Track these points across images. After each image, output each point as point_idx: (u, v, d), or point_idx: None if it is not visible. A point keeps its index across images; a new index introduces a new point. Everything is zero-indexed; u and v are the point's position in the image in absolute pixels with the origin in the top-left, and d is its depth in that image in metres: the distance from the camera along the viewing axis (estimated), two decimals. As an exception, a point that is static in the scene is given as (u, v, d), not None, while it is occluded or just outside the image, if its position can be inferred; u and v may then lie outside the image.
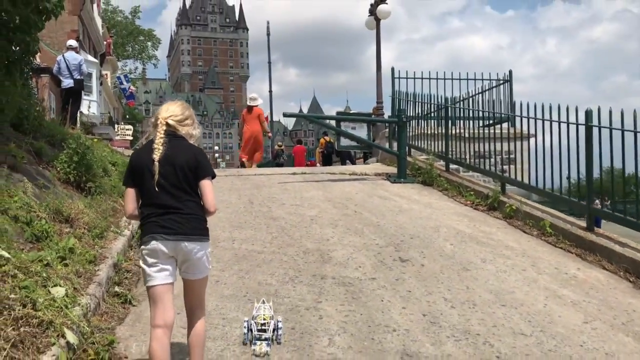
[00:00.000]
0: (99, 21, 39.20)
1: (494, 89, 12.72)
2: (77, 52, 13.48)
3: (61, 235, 5.24)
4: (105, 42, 41.10)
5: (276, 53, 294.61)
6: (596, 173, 6.85)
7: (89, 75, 25.58)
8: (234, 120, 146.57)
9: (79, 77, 12.80)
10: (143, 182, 3.42)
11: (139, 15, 58.81)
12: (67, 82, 12.78)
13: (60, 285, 4.06)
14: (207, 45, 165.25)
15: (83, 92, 14.31)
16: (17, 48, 6.82)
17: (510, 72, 13.22)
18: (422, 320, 4.58)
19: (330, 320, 4.52)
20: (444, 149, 10.75)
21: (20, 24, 6.64)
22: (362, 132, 12.92)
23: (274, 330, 4.00)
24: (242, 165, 15.09)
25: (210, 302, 4.60)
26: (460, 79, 13.29)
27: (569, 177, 7.39)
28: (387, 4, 17.18)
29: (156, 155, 3.38)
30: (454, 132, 10.70)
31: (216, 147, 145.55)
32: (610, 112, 6.49)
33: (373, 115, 16.46)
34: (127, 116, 55.89)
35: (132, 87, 45.03)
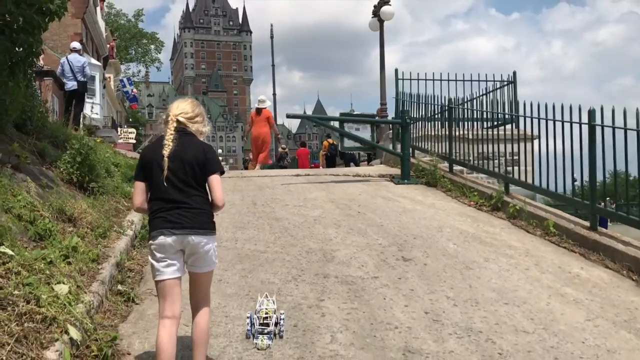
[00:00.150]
0: (102, 24, 39.38)
1: (498, 91, 12.71)
2: (81, 55, 13.55)
3: (64, 234, 5.26)
4: (108, 45, 41.24)
5: (280, 56, 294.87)
6: (602, 176, 6.82)
7: (92, 78, 25.67)
8: (237, 124, 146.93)
9: (82, 79, 12.85)
10: (152, 177, 3.49)
11: (142, 19, 59.14)
12: (71, 85, 12.84)
13: (64, 283, 4.08)
14: (211, 48, 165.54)
15: (86, 95, 14.37)
16: (21, 49, 6.85)
17: (515, 73, 13.23)
18: (424, 318, 4.58)
19: (332, 318, 4.52)
20: (447, 150, 10.75)
21: (24, 25, 6.66)
22: (365, 133, 12.90)
23: (276, 324, 4.03)
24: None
25: (213, 300, 4.59)
26: (464, 80, 13.28)
27: (574, 181, 7.39)
28: (390, 5, 17.21)
29: (166, 151, 3.45)
30: (457, 133, 10.70)
31: (219, 150, 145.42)
32: (613, 111, 6.49)
33: (377, 117, 16.46)
34: (130, 119, 56.07)
35: (134, 90, 45.12)
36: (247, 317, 4.20)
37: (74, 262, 4.68)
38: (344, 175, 11.80)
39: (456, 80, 13.13)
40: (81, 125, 11.17)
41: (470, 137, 10.30)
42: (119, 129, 39.69)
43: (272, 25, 40.07)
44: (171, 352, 3.34)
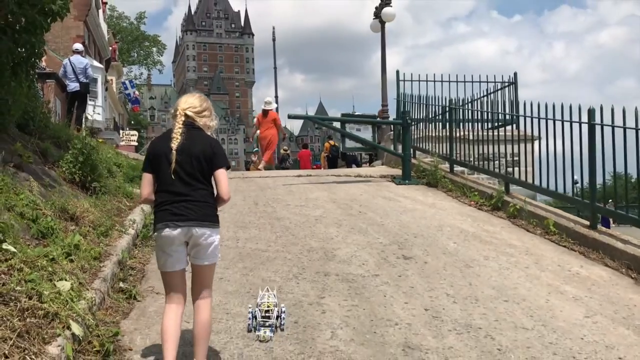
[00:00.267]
0: (104, 27, 39.49)
1: (499, 92, 12.74)
2: (83, 56, 13.60)
3: (67, 233, 5.30)
4: (110, 48, 41.39)
5: (282, 58, 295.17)
6: (602, 175, 6.85)
7: (95, 80, 25.76)
8: (239, 126, 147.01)
9: (84, 80, 12.90)
10: (160, 169, 3.56)
11: (145, 21, 59.32)
12: (73, 86, 12.89)
13: (66, 280, 4.11)
14: (213, 50, 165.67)
15: (89, 97, 14.43)
16: (23, 49, 6.89)
17: (515, 74, 13.24)
18: (424, 315, 4.61)
19: (333, 315, 4.55)
20: (448, 151, 10.78)
21: (26, 25, 6.71)
22: (366, 134, 12.98)
23: (277, 317, 4.08)
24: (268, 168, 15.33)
25: (215, 297, 4.60)
26: (465, 82, 13.31)
27: (574, 183, 7.42)
28: (391, 6, 17.25)
29: (174, 144, 3.51)
30: (458, 134, 10.73)
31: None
32: (612, 111, 6.52)
33: (378, 118, 16.51)
34: (132, 122, 56.19)
35: (136, 92, 45.23)
36: (249, 311, 4.25)
37: (76, 259, 4.71)
38: (346, 175, 11.83)
39: (457, 82, 13.15)
40: (83, 126, 11.21)
41: (471, 138, 10.33)
42: (121, 131, 39.81)
43: (274, 28, 40.08)
44: (175, 335, 3.44)
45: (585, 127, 6.95)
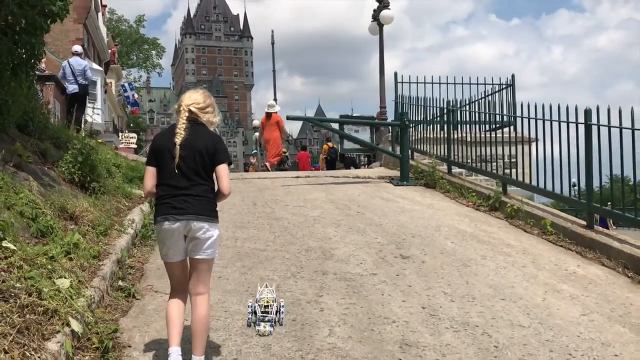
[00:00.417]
0: (103, 30, 39.51)
1: (497, 94, 12.79)
2: (82, 58, 13.63)
3: (66, 232, 5.31)
4: (109, 51, 41.39)
5: (281, 62, 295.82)
6: (598, 175, 6.88)
7: (94, 83, 25.77)
8: (238, 129, 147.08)
9: (83, 82, 12.93)
10: (162, 163, 3.62)
11: (144, 24, 59.34)
12: (72, 88, 12.92)
13: (65, 278, 4.13)
14: (212, 54, 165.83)
15: (88, 99, 14.45)
16: (23, 50, 6.92)
17: (513, 76, 13.31)
18: (421, 313, 4.64)
19: (330, 313, 4.57)
20: (446, 153, 10.82)
21: (26, 26, 6.75)
22: (365, 135, 13.00)
23: (276, 312, 4.13)
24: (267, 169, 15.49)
25: (213, 296, 4.65)
26: (462, 84, 13.38)
27: (572, 186, 7.45)
28: (390, 9, 17.28)
29: (178, 139, 3.58)
30: (456, 136, 10.77)
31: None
32: (609, 111, 6.55)
33: (376, 120, 16.54)
34: (131, 124, 56.20)
35: (135, 95, 45.24)
36: (249, 305, 4.30)
37: (75, 258, 4.73)
38: (344, 177, 11.87)
39: (454, 84, 13.22)
40: (83, 126, 11.23)
41: (469, 139, 10.37)
42: (120, 133, 39.80)
43: (272, 31, 40.15)
44: (179, 322, 3.55)
45: (582, 128, 6.99)
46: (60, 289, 3.88)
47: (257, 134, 47.99)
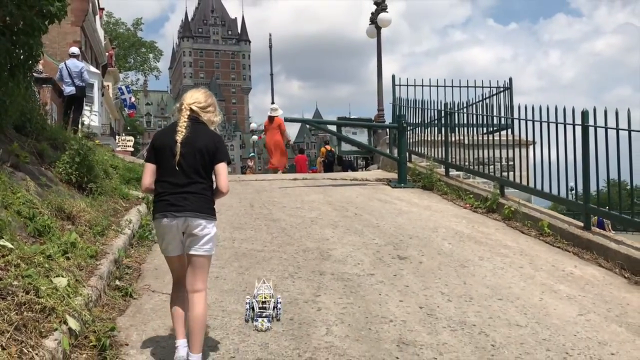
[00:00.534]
0: (101, 33, 39.53)
1: (494, 97, 12.81)
2: (79, 60, 13.63)
3: (63, 231, 5.31)
4: (107, 54, 41.36)
5: (279, 65, 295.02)
6: (595, 176, 6.89)
7: (91, 85, 25.74)
8: (235, 132, 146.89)
9: (80, 84, 12.94)
10: (163, 161, 3.66)
11: (141, 28, 59.27)
12: (69, 90, 12.92)
13: (63, 276, 4.13)
14: (209, 57, 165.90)
15: (85, 102, 14.45)
16: (21, 51, 6.92)
17: (510, 79, 13.31)
18: (418, 312, 4.64)
19: (328, 312, 4.58)
20: (443, 155, 10.84)
21: (24, 27, 6.74)
22: (362, 137, 12.99)
23: (274, 308, 4.16)
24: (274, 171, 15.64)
25: (211, 295, 4.66)
26: (460, 87, 13.37)
27: (570, 189, 7.46)
28: (387, 12, 17.33)
29: (179, 137, 3.62)
30: (454, 138, 10.79)
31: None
32: (606, 113, 6.58)
33: (374, 122, 16.54)
34: (128, 127, 56.13)
35: (132, 98, 45.21)
36: (246, 301, 4.32)
37: (73, 257, 4.73)
38: (342, 179, 11.88)
39: (452, 87, 13.22)
40: (80, 127, 11.21)
41: (467, 142, 10.39)
42: (117, 137, 39.75)
43: (270, 35, 40.16)
44: (183, 315, 3.62)
45: (579, 130, 7.02)
46: (57, 288, 3.89)
47: (255, 137, 48.02)
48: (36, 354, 3.17)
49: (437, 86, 13.13)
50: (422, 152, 11.88)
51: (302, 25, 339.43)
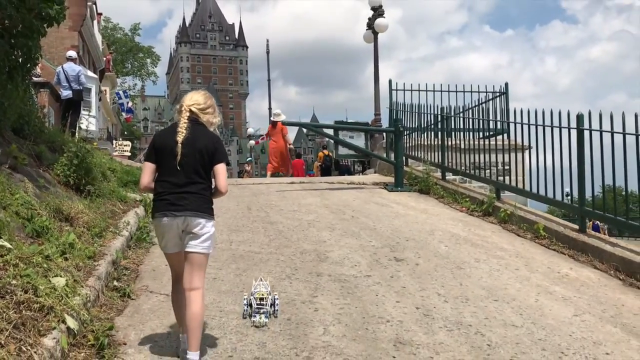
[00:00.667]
0: (98, 37, 39.57)
1: (490, 102, 12.86)
2: (76, 64, 13.66)
3: (61, 232, 5.32)
4: (104, 59, 41.43)
5: (276, 71, 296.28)
6: (590, 179, 6.94)
7: (89, 90, 25.75)
8: (233, 137, 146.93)
9: (77, 87, 12.96)
10: (163, 161, 3.73)
11: (139, 33, 59.29)
12: (67, 93, 12.95)
13: (61, 276, 4.15)
14: (207, 62, 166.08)
15: (82, 103, 14.46)
16: (20, 53, 6.95)
17: (507, 84, 13.37)
18: (415, 313, 4.67)
19: (325, 313, 4.60)
20: (440, 159, 10.88)
21: (23, 29, 6.78)
22: (359, 142, 13.07)
23: (271, 305, 4.22)
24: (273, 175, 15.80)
25: (208, 296, 4.68)
26: (456, 91, 13.41)
27: (565, 195, 7.52)
28: (384, 17, 17.41)
29: (179, 138, 3.68)
30: (450, 143, 10.83)
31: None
32: (600, 116, 6.63)
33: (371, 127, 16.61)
34: (126, 132, 56.13)
35: (129, 103, 45.24)
36: (244, 298, 4.39)
37: (71, 258, 4.74)
38: (339, 183, 11.91)
39: (449, 91, 13.25)
40: (77, 129, 11.24)
41: (463, 146, 10.43)
42: (114, 141, 39.76)
43: (268, 41, 40.43)
44: (182, 307, 3.69)
45: (574, 133, 7.06)
46: (55, 287, 3.90)
47: (252, 142, 48.09)
48: (35, 352, 3.18)
49: (434, 91, 13.18)
50: (419, 156, 11.93)
51: (300, 31, 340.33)
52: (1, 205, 4.90)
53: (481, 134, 11.32)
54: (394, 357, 3.88)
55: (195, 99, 3.84)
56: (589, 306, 5.02)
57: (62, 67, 13.25)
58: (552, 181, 7.44)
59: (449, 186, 10.26)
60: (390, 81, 13.74)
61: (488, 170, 9.57)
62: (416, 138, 12.38)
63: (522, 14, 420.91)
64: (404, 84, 13.47)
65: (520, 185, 8.73)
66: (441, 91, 13.22)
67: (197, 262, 3.66)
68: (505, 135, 10.64)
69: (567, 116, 7.20)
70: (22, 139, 7.45)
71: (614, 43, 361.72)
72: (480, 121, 11.74)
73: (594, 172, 6.79)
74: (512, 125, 8.82)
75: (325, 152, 21.99)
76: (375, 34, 17.53)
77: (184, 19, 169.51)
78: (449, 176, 10.88)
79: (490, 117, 12.36)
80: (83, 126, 14.45)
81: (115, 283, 5.01)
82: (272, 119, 16.13)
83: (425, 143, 11.78)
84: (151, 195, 3.94)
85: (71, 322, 3.65)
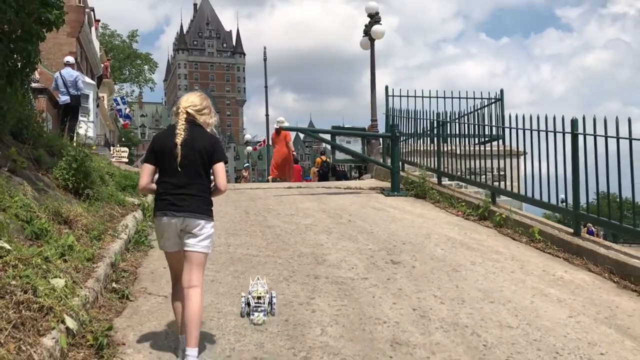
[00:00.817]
0: (96, 44, 39.65)
1: (486, 108, 12.94)
2: (74, 69, 13.70)
3: (60, 235, 5.35)
4: (102, 65, 41.48)
5: (273, 78, 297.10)
6: (584, 183, 6.98)
7: (86, 96, 25.78)
8: (230, 144, 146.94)
9: (75, 93, 12.99)
10: (163, 162, 3.80)
11: (137, 39, 59.38)
12: (64, 99, 12.98)
13: (60, 278, 4.18)
14: (204, 69, 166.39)
15: (81, 113, 14.51)
16: (19, 57, 6.99)
17: (502, 90, 13.45)
18: (412, 314, 4.71)
19: (322, 314, 4.64)
20: (436, 164, 10.95)
21: (23, 34, 6.82)
22: (356, 147, 13.08)
23: (269, 303, 4.27)
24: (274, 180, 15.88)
25: (207, 298, 4.71)
26: (452, 97, 13.49)
27: (560, 201, 7.58)
28: (381, 24, 17.49)
29: (178, 139, 3.75)
30: (446, 148, 10.89)
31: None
32: (594, 121, 6.69)
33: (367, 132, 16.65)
34: (123, 139, 56.13)
35: (127, 109, 45.26)
36: (242, 295, 4.44)
37: (70, 259, 4.78)
38: (336, 187, 11.97)
39: (445, 98, 13.33)
40: (76, 134, 11.27)
41: (459, 152, 10.49)
42: (111, 147, 39.76)
43: (265, 48, 40.33)
44: (182, 305, 3.73)
45: (568, 138, 7.13)
46: (55, 288, 3.94)
47: (249, 148, 48.14)
48: (34, 352, 3.22)
49: (430, 97, 13.24)
50: (415, 161, 11.99)
51: (297, 39, 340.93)
52: (0, 208, 4.93)
53: (477, 139, 11.41)
54: (390, 357, 3.92)
55: (191, 101, 3.90)
56: (583, 308, 5.06)
57: (60, 72, 13.29)
58: (547, 185, 7.50)
59: (445, 191, 10.32)
60: (387, 87, 13.83)
61: (484, 176, 9.64)
62: (412, 143, 12.45)
63: (518, 22, 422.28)
64: (400, 90, 13.57)
65: (515, 188, 8.79)
66: (437, 97, 13.29)
67: (196, 261, 3.71)
68: (501, 140, 10.79)
69: (562, 121, 7.28)
70: (21, 143, 7.48)
71: (608, 51, 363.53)
72: (476, 127, 11.81)
73: (588, 176, 6.85)
74: (507, 131, 8.89)
75: (323, 158, 22.02)
76: (372, 40, 17.60)
77: (181, 26, 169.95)
78: (445, 181, 10.95)
79: (486, 123, 12.45)
80: (82, 131, 14.50)
81: (114, 285, 5.04)
82: (275, 126, 16.24)
83: (422, 148, 11.85)
84: (150, 199, 4.01)
85: (70, 323, 3.68)
